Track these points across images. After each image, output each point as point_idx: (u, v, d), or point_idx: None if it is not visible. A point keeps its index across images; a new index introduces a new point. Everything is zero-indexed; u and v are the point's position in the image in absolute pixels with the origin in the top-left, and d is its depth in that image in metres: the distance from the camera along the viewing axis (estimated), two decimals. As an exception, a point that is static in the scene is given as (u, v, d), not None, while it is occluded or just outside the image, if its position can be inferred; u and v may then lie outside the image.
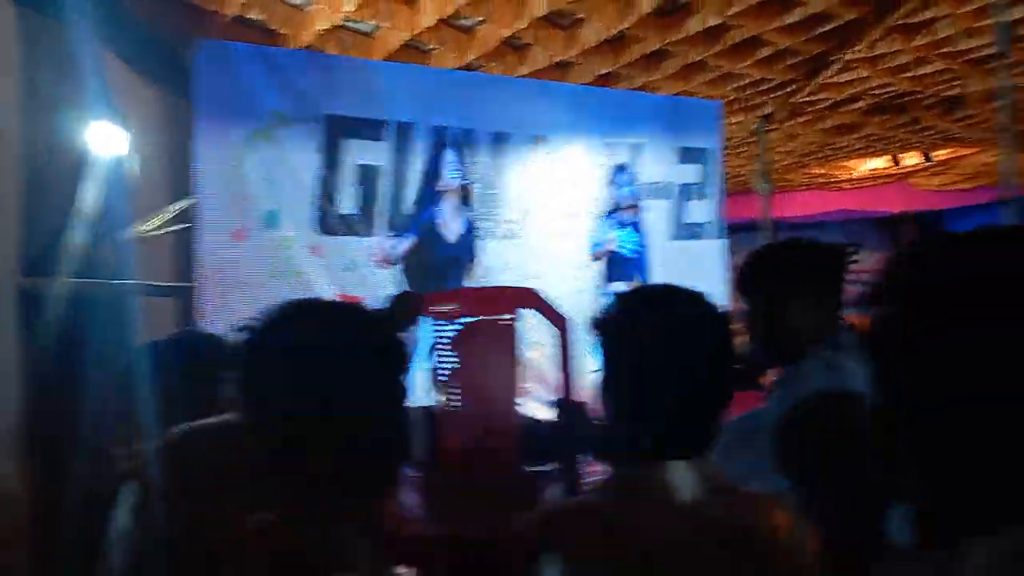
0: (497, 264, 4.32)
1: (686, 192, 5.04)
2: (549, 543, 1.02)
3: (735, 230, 8.86)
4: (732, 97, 5.71)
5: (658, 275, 4.73)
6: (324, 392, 0.86)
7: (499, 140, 4.39)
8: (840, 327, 1.54)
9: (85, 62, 3.26)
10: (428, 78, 4.35)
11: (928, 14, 4.63)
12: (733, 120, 6.23)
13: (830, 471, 1.15)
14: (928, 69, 5.47)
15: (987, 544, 0.58)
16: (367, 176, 4.02)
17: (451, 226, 4.23)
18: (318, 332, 0.89)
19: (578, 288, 4.54)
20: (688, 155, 5.04)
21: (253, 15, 3.92)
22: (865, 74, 5.46)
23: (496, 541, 1.59)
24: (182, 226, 3.70)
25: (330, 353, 0.88)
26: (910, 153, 8.18)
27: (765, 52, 4.91)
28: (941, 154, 8.25)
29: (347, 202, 3.97)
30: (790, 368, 1.57)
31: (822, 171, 9.06)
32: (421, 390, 2.32)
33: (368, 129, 4.01)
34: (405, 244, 4.10)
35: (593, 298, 4.57)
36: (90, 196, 3.38)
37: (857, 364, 1.38)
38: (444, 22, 4.18)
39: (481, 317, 1.99)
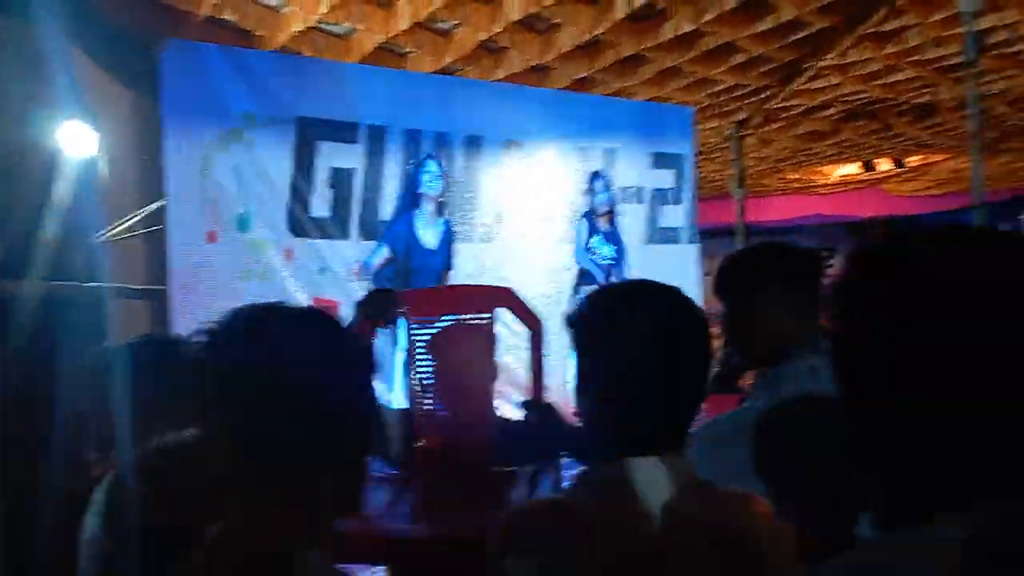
0: (472, 267, 4.32)
1: (660, 197, 5.07)
2: (521, 542, 1.02)
3: (711, 234, 8.96)
4: (707, 103, 5.76)
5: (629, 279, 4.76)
6: (279, 405, 0.83)
7: (472, 143, 4.39)
8: (819, 330, 1.56)
9: (54, 62, 3.23)
10: (401, 81, 4.34)
11: (898, 23, 4.71)
12: (708, 125, 6.28)
13: (810, 474, 1.16)
14: (899, 77, 5.56)
15: (961, 519, 0.60)
16: (340, 179, 4.00)
17: (427, 232, 4.23)
18: (276, 340, 0.86)
19: (553, 291, 4.55)
20: (662, 160, 5.08)
21: (226, 16, 3.90)
22: (837, 81, 5.53)
23: (470, 541, 1.59)
24: (154, 228, 3.67)
25: (288, 363, 0.85)
26: (883, 159, 8.29)
27: (739, 59, 4.96)
28: (913, 160, 8.37)
29: (320, 205, 3.95)
30: (770, 371, 1.58)
31: (797, 176, 9.15)
32: (399, 390, 2.32)
33: (341, 132, 3.99)
34: (379, 257, 4.09)
35: (568, 301, 4.58)
36: (60, 197, 3.35)
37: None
38: (420, 25, 4.18)
39: (458, 316, 1.98)
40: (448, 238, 4.29)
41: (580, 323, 1.11)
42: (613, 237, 4.83)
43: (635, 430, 1.04)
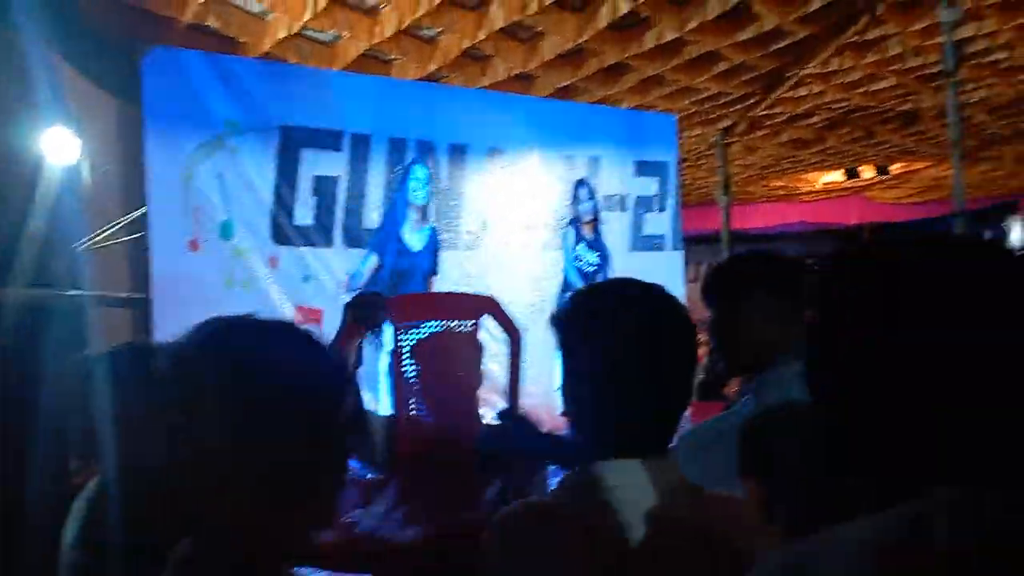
0: (457, 275, 4.33)
1: (644, 204, 5.10)
2: (508, 545, 1.02)
3: (697, 241, 9.01)
4: (691, 110, 5.79)
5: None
6: (248, 420, 0.81)
7: (457, 151, 4.40)
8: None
9: (36, 68, 3.22)
10: (385, 89, 4.34)
11: (879, 32, 4.76)
12: (692, 133, 6.32)
13: (795, 479, 1.16)
14: (881, 85, 5.61)
15: (873, 521, 0.63)
16: (324, 187, 3.99)
17: (413, 236, 4.24)
18: (244, 354, 0.85)
19: (537, 299, 4.56)
20: (645, 168, 5.10)
21: (210, 22, 3.90)
22: (819, 89, 5.58)
23: (453, 546, 1.60)
24: (137, 235, 3.65)
25: (257, 378, 0.83)
26: (866, 166, 8.37)
27: (722, 67, 4.99)
28: (896, 168, 8.44)
29: (304, 213, 3.94)
30: (756, 378, 1.59)
31: (782, 183, 9.22)
32: (384, 394, 2.32)
33: (325, 139, 3.98)
34: (368, 266, 4.09)
35: (549, 311, 4.59)
36: (42, 204, 3.33)
37: None
38: (404, 32, 4.19)
39: (443, 322, 1.98)
40: (434, 243, 4.30)
41: (564, 323, 1.11)
42: (597, 244, 4.85)
43: (619, 432, 1.04)
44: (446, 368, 1.96)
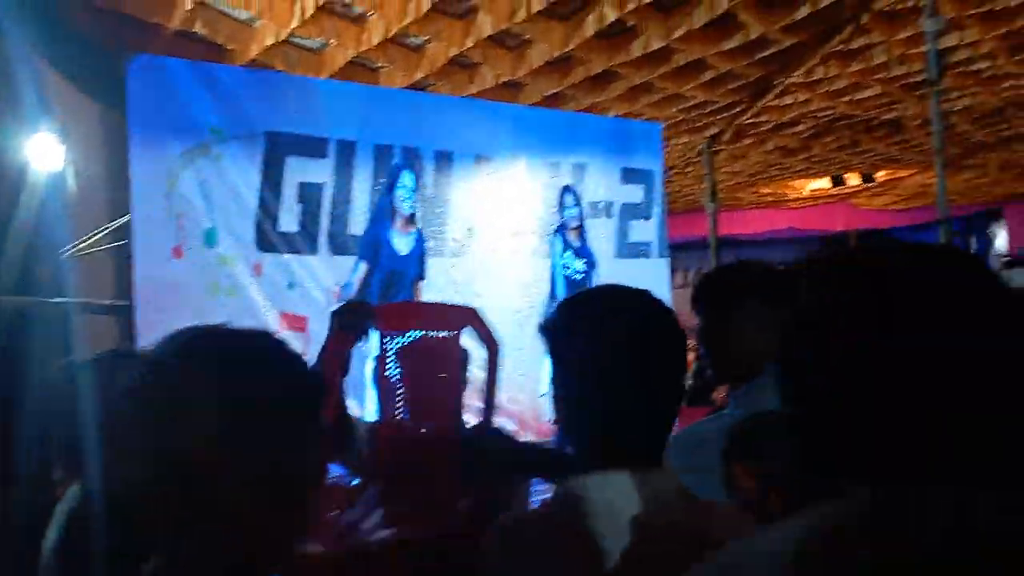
0: (443, 282, 4.33)
1: (630, 211, 5.12)
2: (504, 556, 1.01)
3: (686, 247, 9.05)
4: (678, 118, 5.82)
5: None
6: (216, 433, 0.81)
7: (443, 158, 4.41)
8: None
9: (22, 75, 3.21)
10: (371, 96, 4.35)
11: (864, 41, 4.80)
12: (680, 140, 6.36)
13: (781, 483, 1.17)
14: (866, 93, 5.66)
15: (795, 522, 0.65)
16: (309, 194, 3.99)
17: (400, 241, 4.24)
18: (214, 366, 0.84)
19: (524, 306, 4.57)
20: (631, 175, 5.12)
21: (197, 29, 3.89)
22: (805, 98, 5.62)
23: (433, 552, 1.60)
24: (122, 242, 3.64)
25: (227, 389, 0.82)
26: (852, 174, 8.43)
27: (709, 75, 5.03)
28: (881, 175, 8.51)
29: (289, 220, 3.93)
30: (747, 385, 1.59)
31: (769, 190, 9.27)
32: (369, 400, 2.32)
33: (310, 146, 3.98)
34: (358, 275, 4.09)
35: (538, 316, 4.61)
36: (27, 210, 3.31)
37: None
38: (392, 40, 4.20)
39: (426, 331, 1.98)
40: (420, 248, 4.30)
41: (553, 331, 1.10)
42: (584, 251, 4.87)
43: (611, 441, 1.03)
44: (430, 373, 1.96)
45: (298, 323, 3.77)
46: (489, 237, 4.52)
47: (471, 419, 2.26)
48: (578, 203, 4.86)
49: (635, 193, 5.14)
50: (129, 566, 1.03)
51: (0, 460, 2.59)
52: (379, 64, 4.51)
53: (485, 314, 2.21)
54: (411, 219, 4.28)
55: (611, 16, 4.07)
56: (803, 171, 8.16)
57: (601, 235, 4.96)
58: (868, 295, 0.67)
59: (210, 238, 3.68)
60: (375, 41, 4.09)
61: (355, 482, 1.93)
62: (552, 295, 4.72)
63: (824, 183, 8.85)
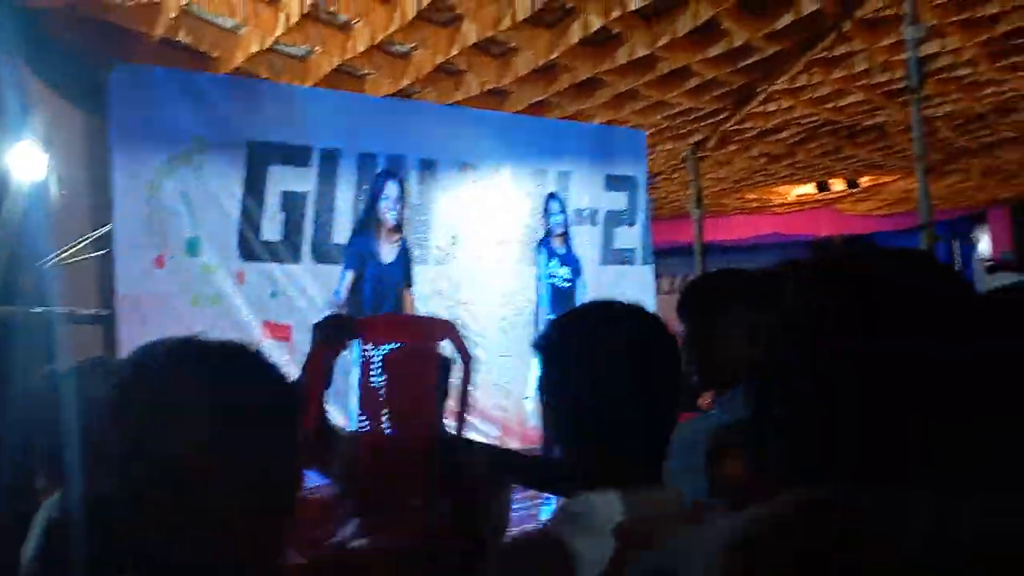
0: (428, 290, 4.33)
1: (614, 218, 5.14)
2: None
3: (673, 253, 9.08)
4: (664, 125, 5.85)
5: (589, 300, 4.80)
6: (193, 444, 0.81)
7: (427, 166, 4.41)
8: None
9: (4, 83, 3.19)
10: (354, 104, 4.35)
11: (845, 48, 4.84)
12: (665, 147, 6.38)
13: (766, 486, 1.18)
14: (848, 100, 5.70)
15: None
16: (292, 202, 3.98)
17: (385, 248, 4.24)
18: (189, 380, 0.84)
19: (509, 313, 4.58)
20: (615, 182, 5.15)
21: (181, 37, 3.88)
22: (788, 104, 5.65)
23: (402, 557, 1.60)
24: (105, 251, 3.62)
25: (200, 404, 0.82)
26: (836, 180, 8.49)
27: (693, 82, 5.05)
28: (866, 181, 8.57)
29: (271, 229, 3.92)
30: (732, 391, 1.60)
31: (755, 196, 9.32)
32: (350, 411, 2.33)
33: (293, 155, 3.97)
34: (346, 283, 4.09)
35: (523, 323, 4.62)
36: (9, 219, 3.29)
37: None
38: (377, 48, 4.20)
39: (403, 344, 2.00)
40: (406, 256, 4.30)
41: (548, 349, 1.09)
42: (569, 259, 4.88)
43: (608, 457, 1.03)
44: (409, 384, 1.97)
45: (281, 332, 3.77)
46: (474, 245, 4.52)
47: (451, 427, 2.27)
48: (563, 210, 4.87)
49: (619, 200, 5.16)
50: (109, 575, 1.03)
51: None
52: (365, 71, 4.51)
53: (462, 327, 2.22)
54: (396, 229, 4.28)
55: (596, 24, 4.09)
56: (788, 177, 8.21)
57: (586, 242, 4.97)
58: (853, 300, 0.68)
59: (192, 247, 3.67)
60: (360, 49, 4.08)
61: (337, 491, 1.94)
62: (537, 302, 4.73)
63: (809, 189, 8.90)
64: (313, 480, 1.88)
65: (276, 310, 3.84)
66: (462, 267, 4.48)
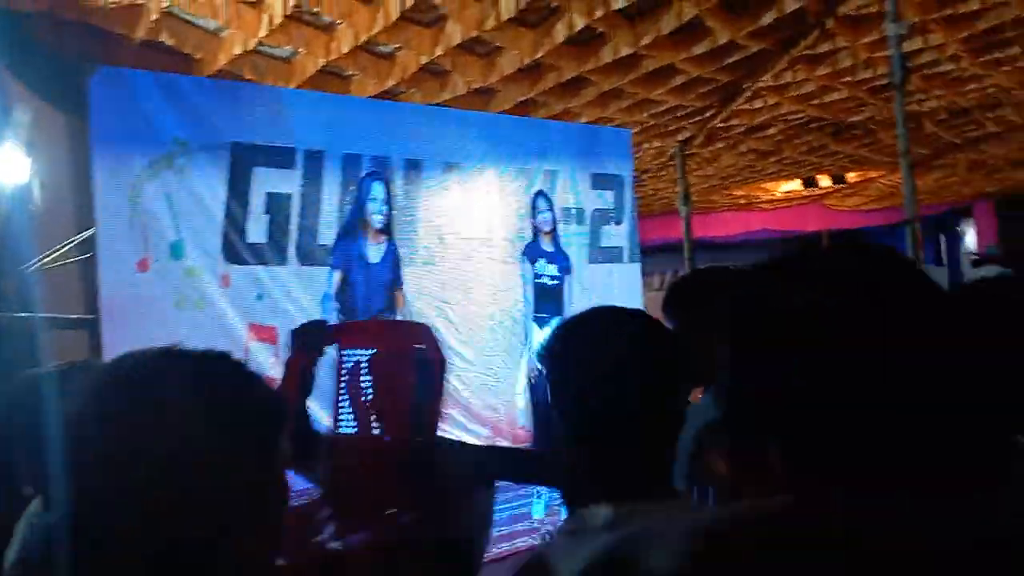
0: (415, 291, 4.32)
1: (601, 217, 5.14)
2: None
3: (662, 250, 9.10)
4: (650, 123, 5.86)
5: (578, 299, 4.81)
6: (176, 451, 0.80)
7: (412, 167, 4.40)
8: None
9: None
10: (338, 105, 4.33)
11: (829, 45, 4.86)
12: (652, 145, 6.40)
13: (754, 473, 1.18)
14: (833, 97, 5.72)
15: None
16: (276, 204, 3.95)
17: (372, 249, 4.23)
18: (168, 391, 0.83)
19: (497, 312, 4.58)
20: (602, 181, 5.15)
21: (163, 39, 3.87)
22: (774, 101, 5.68)
23: (397, 563, 1.60)
24: (89, 255, 3.60)
25: (178, 415, 0.81)
26: (823, 176, 8.53)
27: (678, 80, 5.06)
28: (852, 176, 8.61)
29: (256, 231, 3.90)
30: (715, 387, 1.61)
31: (743, 193, 9.35)
32: (331, 414, 2.33)
33: (277, 157, 3.95)
34: (335, 285, 4.08)
35: (512, 322, 4.62)
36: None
37: None
38: (361, 48, 4.19)
39: (378, 349, 2.01)
40: (394, 256, 4.29)
41: (553, 357, 1.09)
42: (556, 257, 4.88)
43: (617, 465, 1.02)
44: (386, 387, 1.98)
45: (267, 334, 3.75)
46: (460, 244, 4.52)
47: (442, 428, 2.27)
48: (551, 208, 4.87)
49: (606, 198, 5.16)
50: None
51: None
52: (350, 72, 4.51)
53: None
54: (383, 230, 4.27)
55: (580, 23, 4.10)
56: (775, 173, 8.24)
57: (573, 241, 4.98)
58: (837, 298, 0.68)
59: (176, 250, 3.65)
60: (344, 50, 4.07)
61: (318, 494, 1.94)
62: (525, 301, 4.73)
63: (796, 185, 8.94)
64: (296, 484, 1.88)
65: (262, 312, 3.82)
66: (449, 267, 4.47)
